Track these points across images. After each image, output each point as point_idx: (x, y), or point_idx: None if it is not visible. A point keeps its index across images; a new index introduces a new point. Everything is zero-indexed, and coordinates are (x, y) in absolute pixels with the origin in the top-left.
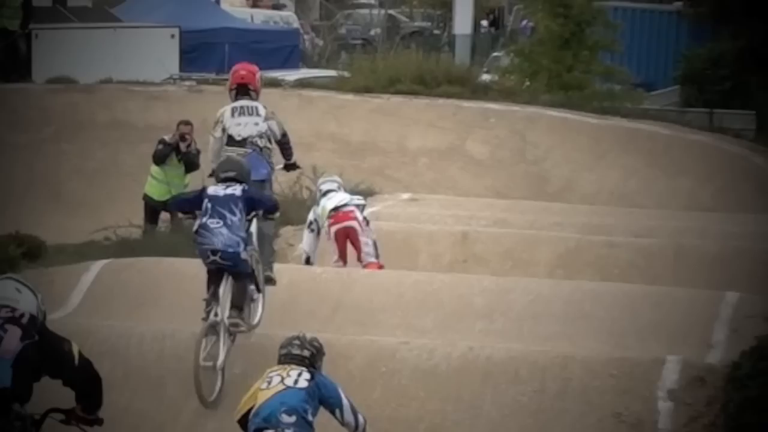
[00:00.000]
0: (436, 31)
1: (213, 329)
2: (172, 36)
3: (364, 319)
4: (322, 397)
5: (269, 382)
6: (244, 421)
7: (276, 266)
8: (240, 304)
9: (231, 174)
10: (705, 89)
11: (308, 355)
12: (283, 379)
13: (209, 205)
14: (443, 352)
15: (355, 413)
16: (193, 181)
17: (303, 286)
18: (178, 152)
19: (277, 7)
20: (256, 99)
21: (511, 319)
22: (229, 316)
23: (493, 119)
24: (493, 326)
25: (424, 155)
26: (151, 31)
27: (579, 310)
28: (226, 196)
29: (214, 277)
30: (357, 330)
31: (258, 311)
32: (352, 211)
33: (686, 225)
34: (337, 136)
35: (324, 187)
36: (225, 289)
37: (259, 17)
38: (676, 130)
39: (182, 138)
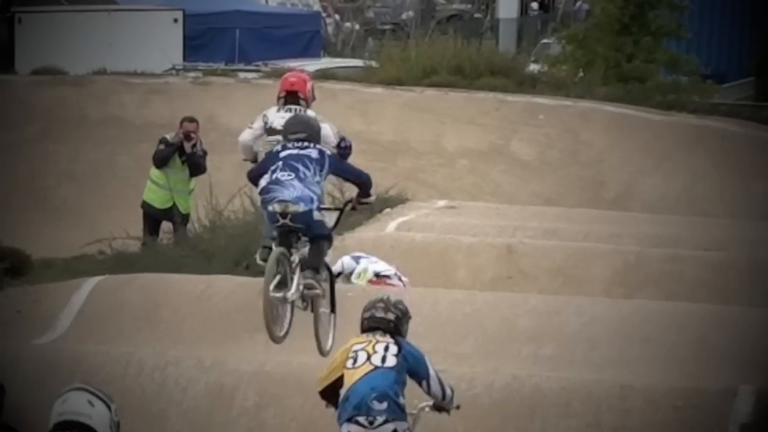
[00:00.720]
0: (477, 15)
1: (284, 258)
2: (175, 20)
3: None
4: (410, 368)
5: (355, 360)
6: (326, 392)
7: None
8: (316, 265)
9: (301, 135)
10: None
11: (393, 318)
12: (369, 356)
13: (280, 163)
14: (485, 381)
15: (442, 384)
16: (198, 186)
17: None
18: (181, 153)
19: None
20: (306, 108)
21: (562, 344)
22: (304, 277)
23: (542, 115)
24: (541, 352)
25: (462, 157)
26: (151, 14)
27: (639, 333)
28: (300, 154)
29: (284, 242)
30: None
31: (330, 336)
32: (396, 285)
33: (763, 236)
34: (363, 134)
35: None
36: (296, 256)
37: None
38: (751, 127)
39: (187, 137)
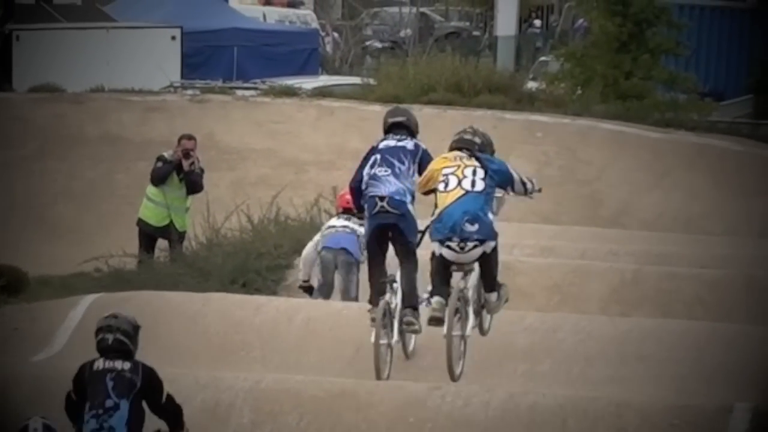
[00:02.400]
0: (475, 33)
1: (387, 306)
2: (173, 38)
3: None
4: (497, 184)
5: (446, 184)
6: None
7: (292, 301)
8: (413, 303)
9: (400, 119)
10: None
11: (479, 141)
12: (460, 181)
13: (378, 157)
14: (481, 399)
15: (523, 183)
16: (195, 204)
17: (321, 324)
18: (179, 171)
19: (293, 4)
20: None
21: (559, 362)
22: (403, 315)
23: (540, 133)
24: (537, 370)
25: None
26: (149, 32)
27: (636, 351)
28: (396, 148)
29: (377, 244)
30: None
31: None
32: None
33: (761, 254)
34: (361, 152)
35: None
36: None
37: (273, 16)
38: (750, 145)
39: (185, 155)
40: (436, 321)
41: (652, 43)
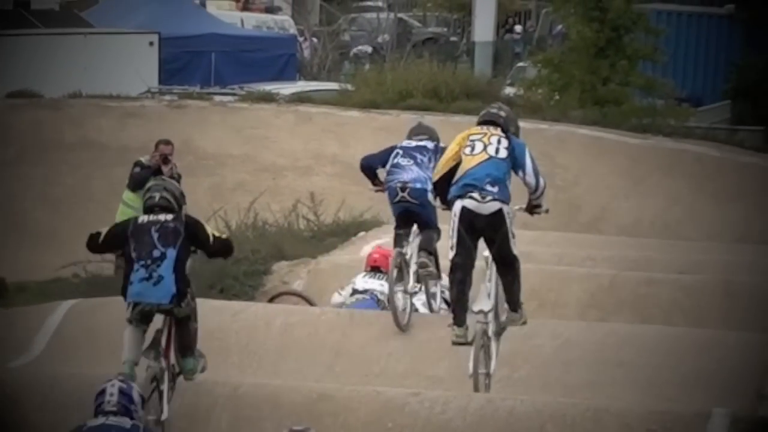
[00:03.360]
0: (453, 38)
1: (400, 256)
2: (151, 43)
3: (368, 366)
4: (514, 158)
5: (472, 148)
6: (441, 181)
7: (270, 307)
8: (428, 247)
9: (423, 138)
10: (760, 104)
11: (504, 115)
12: (485, 146)
13: (400, 151)
14: (459, 404)
15: (536, 175)
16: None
17: (300, 330)
18: (156, 176)
19: (270, 10)
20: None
21: (537, 367)
22: (418, 257)
23: None
24: (515, 375)
25: None
26: (127, 37)
27: (614, 356)
28: (418, 146)
29: (402, 224)
30: (360, 379)
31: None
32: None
33: (738, 259)
34: (339, 158)
35: None
36: (414, 237)
37: (251, 22)
38: (727, 151)
39: (164, 160)
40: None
41: (629, 48)
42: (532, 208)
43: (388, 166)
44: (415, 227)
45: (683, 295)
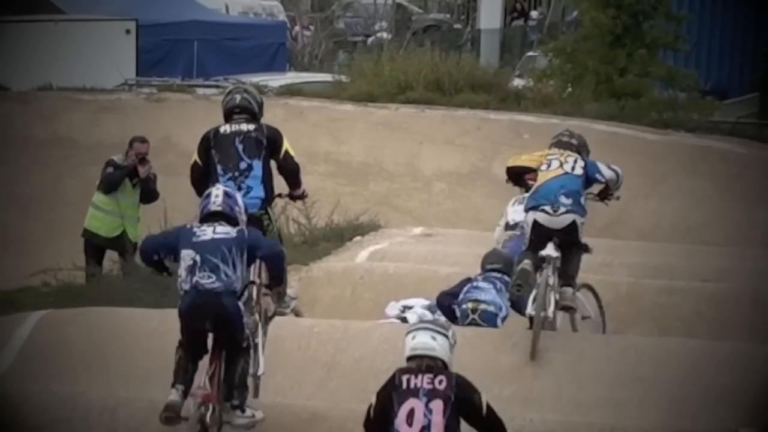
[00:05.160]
0: (456, 26)
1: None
2: (128, 31)
3: (364, 383)
4: (590, 175)
5: (549, 165)
6: (513, 170)
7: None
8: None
9: (497, 266)
10: None
11: (576, 143)
12: (561, 164)
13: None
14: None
15: (613, 170)
16: (152, 211)
17: (289, 343)
18: (132, 177)
19: None
20: None
21: (548, 384)
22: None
23: (527, 135)
24: (524, 392)
25: (440, 180)
26: (102, 25)
27: (632, 371)
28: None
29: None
30: (355, 397)
31: None
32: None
33: (766, 266)
34: (332, 155)
35: None
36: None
37: (237, 8)
38: (756, 147)
39: (141, 161)
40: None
41: (648, 36)
42: (606, 196)
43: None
44: None
45: (707, 306)
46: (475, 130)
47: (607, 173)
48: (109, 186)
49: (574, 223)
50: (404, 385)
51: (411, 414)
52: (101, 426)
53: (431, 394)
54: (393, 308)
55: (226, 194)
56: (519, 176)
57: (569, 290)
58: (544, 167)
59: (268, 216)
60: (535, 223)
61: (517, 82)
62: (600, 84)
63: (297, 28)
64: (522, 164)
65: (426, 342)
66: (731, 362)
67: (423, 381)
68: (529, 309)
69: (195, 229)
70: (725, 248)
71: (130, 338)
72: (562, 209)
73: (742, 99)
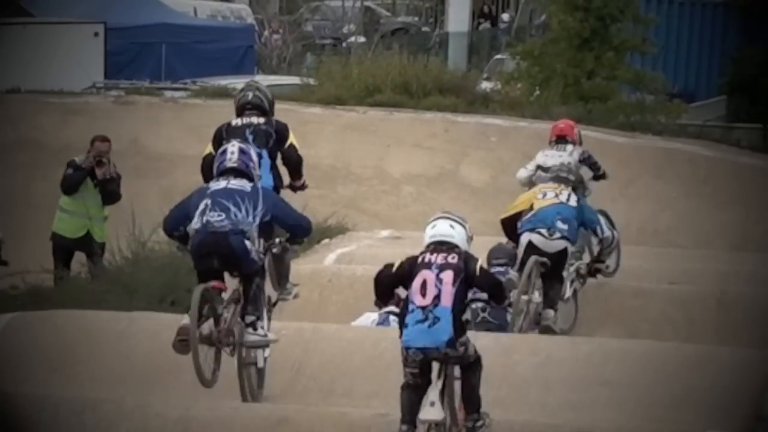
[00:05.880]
0: (424, 28)
1: None
2: (96, 34)
3: (332, 385)
4: (584, 218)
5: (544, 195)
6: (508, 221)
7: None
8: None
9: (502, 261)
10: (758, 100)
11: (573, 179)
12: (557, 195)
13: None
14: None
15: (610, 228)
16: (120, 214)
17: None
18: (93, 177)
19: None
20: (574, 149)
21: (515, 386)
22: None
23: (495, 138)
24: (492, 394)
25: (408, 183)
26: (70, 28)
27: (599, 374)
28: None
29: None
30: (323, 399)
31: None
32: None
33: (733, 269)
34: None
35: None
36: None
37: (205, 11)
38: (722, 151)
39: (98, 163)
40: None
41: (616, 39)
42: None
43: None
44: None
45: (674, 308)
46: (443, 133)
47: (607, 234)
48: (68, 187)
49: (565, 250)
50: (420, 260)
51: (424, 285)
52: (68, 428)
53: (443, 267)
54: (368, 318)
55: (242, 151)
56: (514, 228)
57: (551, 312)
58: (539, 196)
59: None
60: (530, 244)
61: (485, 85)
62: (568, 87)
63: (266, 32)
64: (516, 210)
65: (445, 230)
66: (698, 365)
67: (437, 257)
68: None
69: (210, 183)
70: (692, 251)
71: (98, 340)
72: (558, 234)
73: (710, 102)
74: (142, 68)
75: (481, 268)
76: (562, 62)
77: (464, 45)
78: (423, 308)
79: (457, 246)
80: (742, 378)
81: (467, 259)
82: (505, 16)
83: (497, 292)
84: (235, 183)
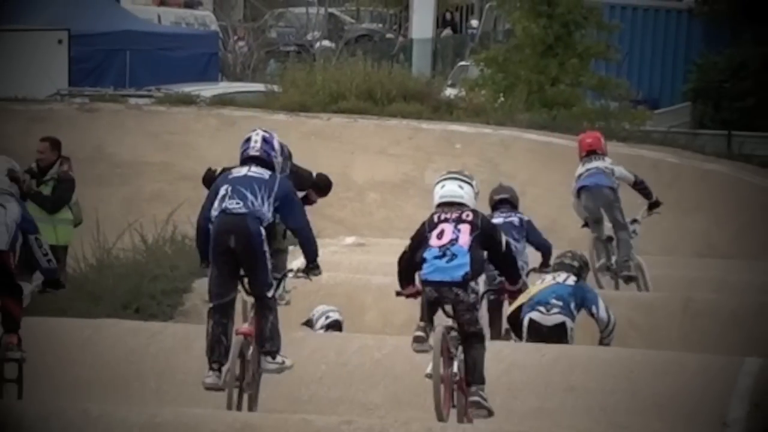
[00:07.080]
0: (388, 35)
1: None
2: (60, 41)
3: (296, 392)
4: (583, 298)
5: (542, 281)
6: (513, 317)
7: (189, 327)
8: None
9: (504, 196)
10: (722, 106)
11: (577, 265)
12: (554, 278)
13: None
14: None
15: (607, 311)
16: (84, 221)
17: None
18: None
19: (190, 5)
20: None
21: None
22: None
23: (459, 144)
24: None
25: (373, 189)
26: (34, 35)
27: (564, 380)
28: (505, 222)
29: None
30: (288, 406)
31: None
32: None
33: (698, 275)
34: None
35: None
36: None
37: (169, 18)
38: (687, 157)
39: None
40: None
41: (580, 46)
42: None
43: None
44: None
45: (639, 314)
46: (408, 140)
47: (603, 315)
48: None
49: (564, 324)
50: (435, 219)
51: (441, 233)
52: None
53: (459, 221)
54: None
55: (264, 140)
56: (520, 322)
57: None
58: (538, 282)
59: None
60: (531, 321)
61: (450, 92)
62: (532, 93)
63: (232, 40)
64: (518, 304)
65: (454, 190)
66: (663, 371)
67: (452, 214)
68: None
69: (232, 170)
70: (657, 257)
71: (63, 348)
72: (555, 310)
73: (674, 108)
74: (106, 75)
75: (507, 243)
76: (526, 69)
77: (428, 52)
78: (440, 247)
79: (466, 204)
80: (707, 384)
81: (483, 220)
82: (474, 23)
83: (509, 260)
84: (255, 171)
